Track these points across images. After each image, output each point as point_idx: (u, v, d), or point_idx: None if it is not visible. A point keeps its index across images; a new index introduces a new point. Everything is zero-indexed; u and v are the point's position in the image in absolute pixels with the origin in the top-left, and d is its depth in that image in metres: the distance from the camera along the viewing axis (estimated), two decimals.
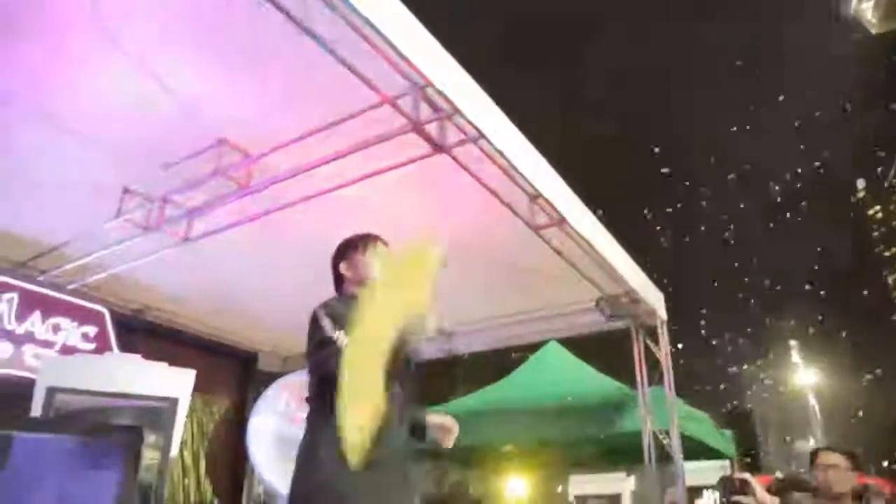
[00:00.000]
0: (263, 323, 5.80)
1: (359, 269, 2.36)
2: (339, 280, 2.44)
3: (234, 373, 6.15)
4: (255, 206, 3.59)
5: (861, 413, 27.21)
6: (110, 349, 4.59)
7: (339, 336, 2.06)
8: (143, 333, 5.15)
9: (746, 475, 2.83)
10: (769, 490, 2.99)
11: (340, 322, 2.09)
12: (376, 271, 2.32)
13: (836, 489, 3.00)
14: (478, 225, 3.94)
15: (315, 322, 2.20)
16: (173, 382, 3.79)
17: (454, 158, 3.14)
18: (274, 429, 5.60)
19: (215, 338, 5.87)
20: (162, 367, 3.90)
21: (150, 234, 3.78)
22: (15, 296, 4.32)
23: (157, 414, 3.57)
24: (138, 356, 4.02)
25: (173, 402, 3.62)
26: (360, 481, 1.96)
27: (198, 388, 4.02)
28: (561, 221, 3.75)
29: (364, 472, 1.91)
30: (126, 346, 4.62)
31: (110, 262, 4.23)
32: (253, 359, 6.29)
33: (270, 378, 6.06)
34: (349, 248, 2.42)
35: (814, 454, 3.18)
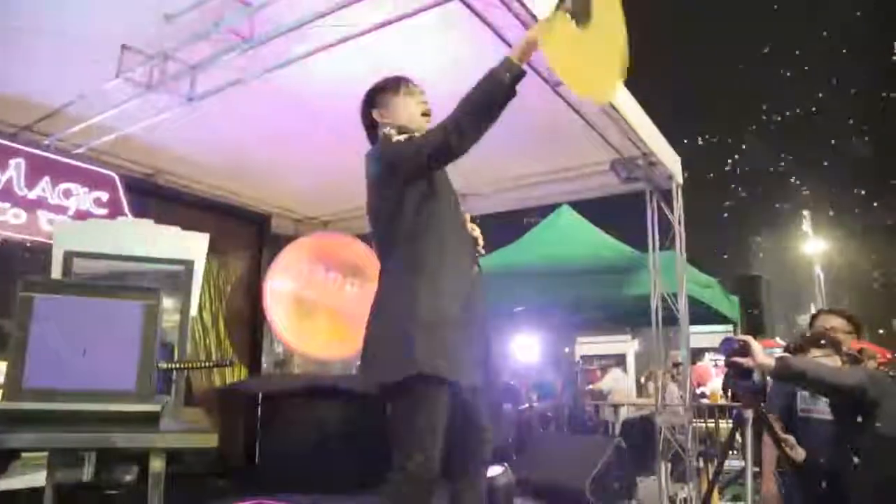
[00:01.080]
0: (275, 185, 5.81)
1: (398, 110, 2.23)
2: (371, 129, 2.32)
3: (247, 236, 6.24)
4: (260, 62, 3.46)
5: (869, 281, 27.62)
6: (123, 214, 4.64)
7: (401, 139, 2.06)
8: (155, 197, 5.18)
9: (748, 337, 2.86)
10: (787, 349, 3.06)
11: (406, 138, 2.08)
12: (412, 109, 2.23)
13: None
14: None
15: (378, 151, 2.15)
16: (188, 246, 3.83)
17: (469, 6, 2.97)
18: (289, 290, 5.77)
19: (227, 201, 5.91)
20: (175, 230, 3.94)
21: (153, 94, 3.68)
22: (22, 161, 4.31)
23: (175, 277, 3.66)
24: (151, 221, 4.06)
25: (189, 264, 3.69)
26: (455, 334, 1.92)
27: (212, 250, 4.08)
28: None
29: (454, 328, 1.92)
30: (138, 211, 4.66)
31: (115, 125, 4.16)
32: (266, 221, 6.35)
33: (284, 241, 6.17)
34: (381, 92, 2.29)
35: (814, 316, 3.24)
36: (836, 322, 3.11)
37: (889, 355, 3.37)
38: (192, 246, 4.00)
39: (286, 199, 6.32)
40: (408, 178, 2.06)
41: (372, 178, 2.17)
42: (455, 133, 1.95)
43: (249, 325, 6.12)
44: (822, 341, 3.26)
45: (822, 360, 3.13)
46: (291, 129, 4.53)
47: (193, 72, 3.59)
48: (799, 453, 3.39)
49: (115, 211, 4.63)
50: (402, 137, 2.13)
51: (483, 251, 2.33)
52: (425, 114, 2.25)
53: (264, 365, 6.35)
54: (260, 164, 5.23)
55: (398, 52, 3.43)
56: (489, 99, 1.97)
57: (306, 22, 3.10)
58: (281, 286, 5.75)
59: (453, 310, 1.99)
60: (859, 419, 2.78)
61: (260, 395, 5.72)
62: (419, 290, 1.98)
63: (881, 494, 2.72)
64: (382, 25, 3.10)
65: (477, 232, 2.31)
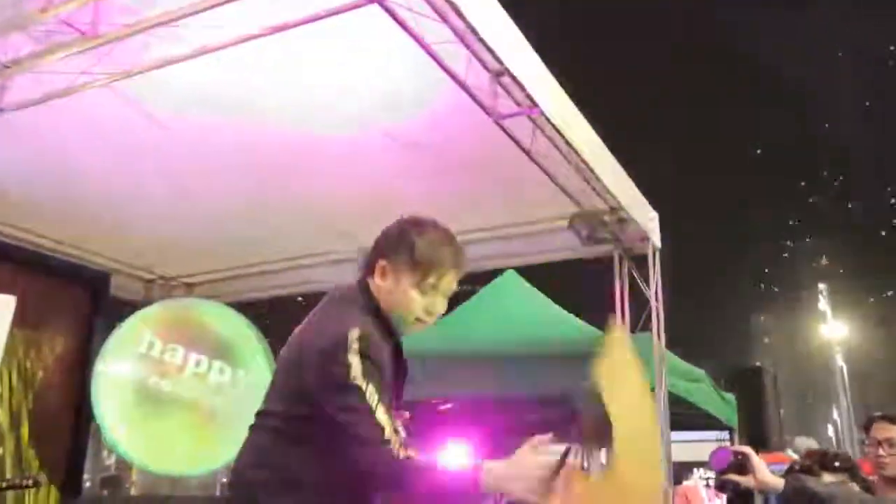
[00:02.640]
0: (118, 233, 5.68)
1: (398, 291, 2.25)
2: (367, 271, 2.33)
3: (74, 301, 5.99)
4: (105, 65, 3.42)
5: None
6: None
7: (369, 392, 2.07)
8: None
9: (747, 449, 2.92)
10: (791, 469, 3.12)
11: (369, 367, 2.09)
12: (411, 313, 2.26)
13: (889, 471, 3.15)
14: (421, 108, 3.88)
15: (338, 348, 2.11)
16: None
17: (389, 11, 3.05)
18: (132, 377, 5.59)
19: (47, 251, 5.72)
20: None
21: None
22: None
23: None
24: None
25: None
26: None
27: (19, 321, 3.92)
28: (531, 108, 3.70)
29: None
30: None
31: None
32: (102, 282, 6.15)
33: (127, 309, 6.00)
34: (405, 250, 2.26)
35: (866, 426, 3.33)
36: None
37: None
38: None
39: (133, 253, 6.18)
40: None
41: (319, 346, 2.17)
42: (399, 487, 2.11)
43: (68, 425, 5.83)
44: (837, 463, 3.36)
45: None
46: (145, 157, 4.46)
47: (5, 72, 3.49)
48: None
49: None
50: (358, 366, 2.10)
51: None
52: (419, 320, 2.30)
53: (87, 484, 6.04)
54: (98, 203, 5.11)
55: (302, 60, 3.50)
56: (444, 495, 2.10)
57: (176, 17, 3.09)
58: (120, 372, 5.56)
59: None
60: None
61: None
62: None
63: None
64: (285, 27, 3.14)
65: None
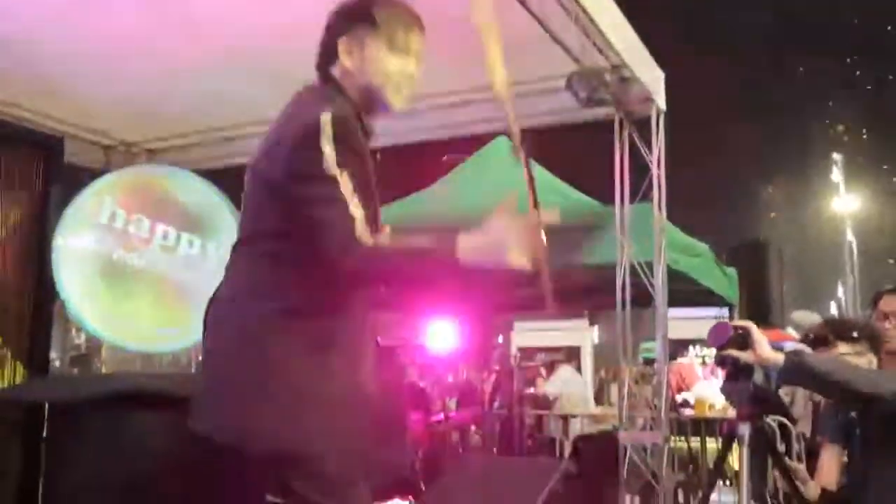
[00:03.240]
0: (72, 92, 5.59)
1: (372, 61, 2.24)
2: (327, 57, 2.30)
3: (25, 168, 5.94)
4: None
5: None
6: None
7: (342, 180, 2.05)
8: None
9: (748, 323, 2.98)
10: (805, 339, 3.22)
11: (345, 155, 2.07)
12: (394, 82, 2.26)
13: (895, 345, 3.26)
14: None
15: (308, 135, 2.08)
16: None
17: None
18: (95, 250, 5.61)
19: None
20: None
21: None
22: None
23: None
24: None
25: None
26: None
27: None
28: None
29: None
30: None
31: None
32: (56, 147, 6.10)
33: (84, 177, 5.98)
34: (364, 21, 2.24)
35: (875, 298, 3.43)
36: None
37: None
38: None
39: (90, 115, 6.11)
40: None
41: (290, 142, 2.17)
42: (375, 277, 2.24)
43: (30, 302, 5.90)
44: (856, 333, 3.43)
45: (853, 360, 3.31)
46: (102, 6, 4.35)
47: None
48: (810, 488, 3.63)
49: None
50: (330, 154, 2.11)
51: None
52: (398, 89, 2.29)
53: (55, 362, 6.17)
54: (49, 57, 5.00)
55: None
56: (424, 276, 2.32)
57: None
58: (80, 243, 5.58)
59: None
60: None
61: (47, 407, 5.57)
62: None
63: None
64: None
65: None
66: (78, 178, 5.99)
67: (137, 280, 5.68)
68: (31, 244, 5.86)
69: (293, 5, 4.12)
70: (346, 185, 2.05)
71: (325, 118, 2.07)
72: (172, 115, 5.93)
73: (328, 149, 2.05)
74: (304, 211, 2.08)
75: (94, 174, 6.00)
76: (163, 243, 5.75)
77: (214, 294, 2.29)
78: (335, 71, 2.27)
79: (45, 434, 5.57)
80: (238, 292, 2.25)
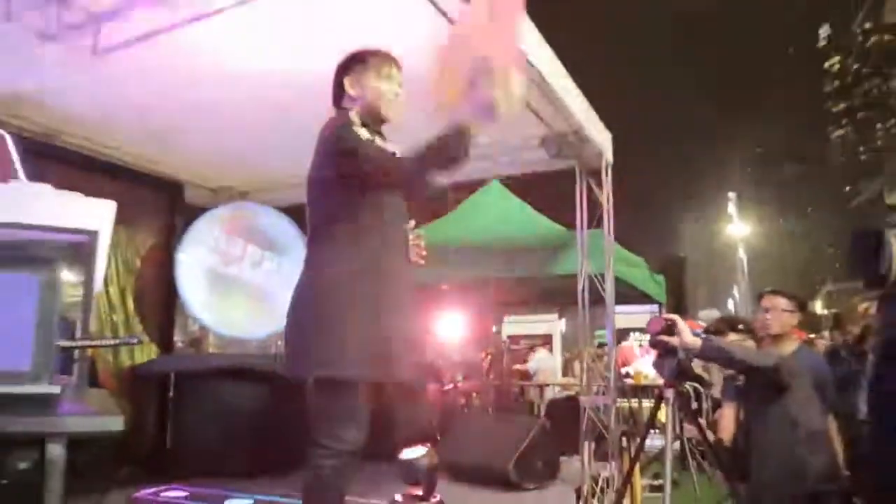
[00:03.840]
0: (189, 151, 5.58)
1: (366, 91, 2.30)
2: (339, 94, 2.37)
3: (158, 205, 5.99)
4: (176, 14, 3.31)
5: (790, 264, 29.24)
6: (16, 178, 4.36)
7: (373, 146, 2.13)
8: (54, 161, 4.87)
9: (675, 317, 2.99)
10: (707, 331, 3.24)
11: (373, 140, 2.17)
12: (386, 99, 2.30)
13: (772, 330, 3.27)
14: (421, 46, 3.77)
15: (341, 129, 2.16)
16: (91, 214, 3.65)
17: None
18: (205, 264, 5.63)
19: (135, 167, 5.63)
20: (77, 197, 3.75)
21: (50, 45, 3.44)
22: None
23: (77, 248, 3.48)
24: (49, 186, 3.84)
25: (93, 235, 3.53)
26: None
27: (119, 221, 3.90)
28: None
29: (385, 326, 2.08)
30: (34, 176, 4.38)
31: (5, 78, 3.88)
32: (178, 190, 6.12)
33: (198, 212, 5.97)
34: (359, 63, 2.34)
35: (759, 297, 3.44)
36: (779, 301, 3.29)
37: (804, 336, 3.64)
38: (97, 214, 3.81)
39: (201, 167, 6.08)
40: (353, 181, 2.15)
41: (323, 146, 2.20)
42: (417, 179, 2.16)
43: (161, 301, 5.91)
44: (740, 326, 3.51)
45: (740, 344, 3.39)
46: (209, 89, 4.33)
47: (97, 21, 3.37)
48: (709, 435, 3.63)
49: (5, 174, 4.34)
50: (366, 135, 2.17)
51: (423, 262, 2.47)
52: (394, 100, 2.34)
53: (178, 343, 6.17)
54: (173, 127, 5.00)
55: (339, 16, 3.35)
56: (453, 156, 2.14)
57: None
58: (195, 259, 5.59)
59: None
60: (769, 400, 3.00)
61: (172, 376, 5.56)
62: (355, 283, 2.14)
63: (784, 467, 2.94)
64: None
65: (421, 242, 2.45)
66: (194, 212, 5.99)
67: (234, 286, 5.70)
68: (162, 260, 5.89)
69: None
70: (372, 144, 2.15)
71: (352, 115, 2.20)
72: (257, 165, 5.94)
73: (356, 130, 2.14)
74: (351, 166, 2.10)
75: (205, 209, 6.01)
76: (252, 259, 5.77)
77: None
78: (345, 102, 2.34)
79: (171, 395, 5.58)
80: (305, 268, 2.24)
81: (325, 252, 2.20)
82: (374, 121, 2.30)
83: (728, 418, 3.64)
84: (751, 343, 3.47)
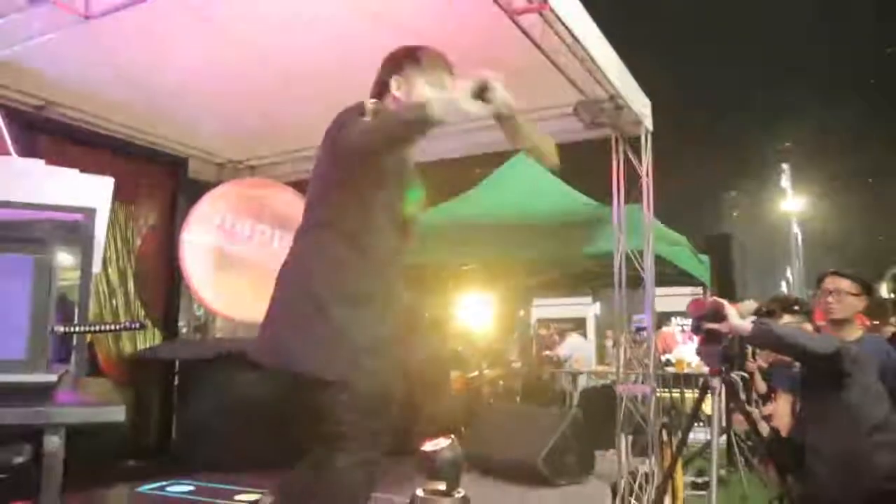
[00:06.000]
0: (193, 124, 5.62)
1: (412, 98, 2.23)
2: (382, 91, 2.33)
3: (160, 181, 6.05)
4: None
5: (852, 242, 28.74)
6: (6, 153, 4.41)
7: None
8: (46, 134, 4.94)
9: (721, 300, 2.95)
10: (758, 311, 3.18)
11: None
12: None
13: (836, 315, 3.20)
14: (444, 9, 3.74)
15: (356, 111, 2.13)
16: (88, 191, 3.69)
17: None
18: (210, 243, 5.67)
19: (135, 140, 5.68)
20: (72, 173, 3.79)
21: (39, 8, 3.47)
22: None
23: (73, 227, 3.53)
24: (41, 161, 3.88)
25: (90, 213, 3.56)
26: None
27: (118, 198, 3.96)
28: (542, 5, 3.52)
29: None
30: (26, 151, 4.43)
31: None
32: (182, 165, 6.17)
33: (203, 188, 6.03)
34: (412, 63, 2.30)
35: (820, 278, 3.37)
36: (843, 284, 3.21)
37: (868, 323, 3.54)
38: (93, 192, 3.84)
39: (206, 140, 6.13)
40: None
41: (338, 126, 2.17)
42: (382, 138, 2.08)
43: (164, 283, 5.99)
44: (796, 307, 3.41)
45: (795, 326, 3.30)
46: (214, 58, 4.35)
47: None
48: (763, 428, 3.59)
49: None
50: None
51: None
52: None
53: (182, 328, 6.25)
54: (176, 98, 5.03)
55: None
56: (408, 127, 2.03)
57: None
58: (200, 239, 5.63)
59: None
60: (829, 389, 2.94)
61: (177, 363, 5.65)
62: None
63: (843, 464, 2.89)
64: None
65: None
66: (198, 189, 6.03)
67: (242, 267, 5.73)
68: (164, 239, 5.97)
69: (344, 45, 4.11)
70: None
71: (368, 103, 2.14)
72: (266, 138, 5.97)
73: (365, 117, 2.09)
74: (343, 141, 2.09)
75: (210, 186, 6.05)
76: (260, 239, 5.80)
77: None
78: (387, 100, 2.29)
79: (175, 382, 5.67)
80: (293, 259, 2.29)
81: (306, 251, 2.28)
82: None
83: (783, 410, 3.59)
84: (808, 327, 3.40)
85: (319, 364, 2.07)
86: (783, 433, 3.51)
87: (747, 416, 3.54)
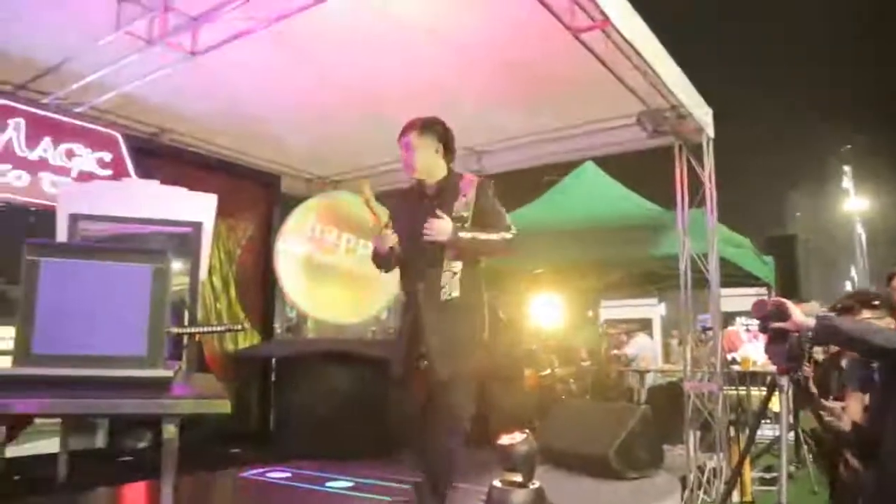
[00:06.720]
0: (284, 145, 5.80)
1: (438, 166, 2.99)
2: (441, 145, 3.01)
3: (256, 197, 6.25)
4: (265, 12, 3.43)
5: None
6: (127, 175, 4.66)
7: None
8: (159, 158, 5.19)
9: (783, 299, 2.79)
10: (834, 308, 2.98)
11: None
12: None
13: None
14: (508, 28, 3.73)
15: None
16: (195, 207, 3.87)
17: None
18: (301, 252, 5.82)
19: (235, 161, 5.91)
20: (182, 191, 3.97)
21: (154, 49, 3.66)
22: (21, 121, 4.33)
23: (183, 239, 3.70)
24: (156, 182, 4.08)
25: (197, 226, 3.73)
26: None
27: (221, 212, 4.11)
28: (604, 23, 3.48)
29: None
30: (143, 172, 4.68)
31: (116, 82, 4.15)
32: (275, 182, 6.36)
33: (295, 202, 6.19)
34: (450, 142, 3.03)
35: (890, 276, 3.17)
36: None
37: None
38: (200, 207, 4.03)
39: (296, 159, 6.31)
40: None
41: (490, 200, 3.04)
42: None
43: (261, 288, 6.17)
44: (876, 301, 3.12)
45: (876, 322, 3.01)
46: (300, 84, 4.49)
47: (195, 24, 3.55)
48: (845, 422, 3.36)
49: (118, 172, 4.65)
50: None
51: None
52: None
53: (276, 329, 6.42)
54: (268, 121, 5.21)
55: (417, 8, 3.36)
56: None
57: None
58: (292, 248, 5.79)
59: None
60: None
61: (274, 361, 5.80)
62: None
63: None
64: None
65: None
66: (290, 203, 6.20)
67: (330, 273, 5.86)
68: (260, 249, 6.15)
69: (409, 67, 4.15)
70: None
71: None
72: (348, 156, 6.09)
73: None
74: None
75: (300, 200, 6.21)
76: (347, 247, 5.91)
77: None
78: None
79: (273, 378, 5.82)
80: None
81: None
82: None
83: (854, 409, 3.39)
84: (888, 321, 3.12)
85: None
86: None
87: (817, 412, 3.34)
